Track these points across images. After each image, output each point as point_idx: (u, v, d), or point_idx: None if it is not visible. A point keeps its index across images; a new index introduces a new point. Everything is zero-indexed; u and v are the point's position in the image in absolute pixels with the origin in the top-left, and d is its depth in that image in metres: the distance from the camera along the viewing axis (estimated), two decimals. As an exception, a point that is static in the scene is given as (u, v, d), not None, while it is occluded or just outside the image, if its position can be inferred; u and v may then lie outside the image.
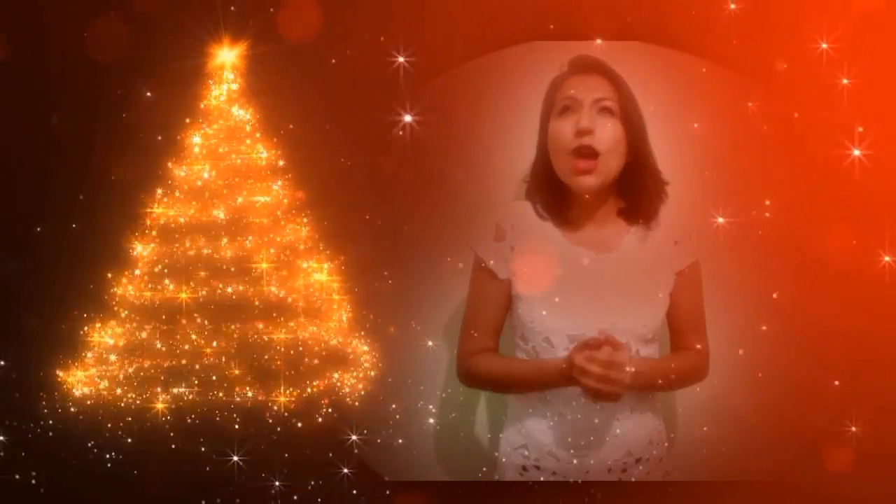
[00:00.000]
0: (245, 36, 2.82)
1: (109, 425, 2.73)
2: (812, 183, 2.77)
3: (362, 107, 2.81)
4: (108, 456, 2.70)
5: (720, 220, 2.68)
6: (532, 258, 2.51)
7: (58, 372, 2.82)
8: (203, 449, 2.68)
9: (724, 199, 2.73)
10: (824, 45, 2.74)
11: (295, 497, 2.66)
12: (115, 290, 2.85)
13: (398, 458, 2.76)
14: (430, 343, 2.79)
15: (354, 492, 2.66)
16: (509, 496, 2.59)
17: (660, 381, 2.46)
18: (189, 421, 2.71)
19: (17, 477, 2.70)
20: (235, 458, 2.66)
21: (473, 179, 2.80)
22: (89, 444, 2.71)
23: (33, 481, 2.70)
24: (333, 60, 2.81)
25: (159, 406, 2.73)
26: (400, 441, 2.74)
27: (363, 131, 2.81)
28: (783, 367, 2.75)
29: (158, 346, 2.77)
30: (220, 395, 2.73)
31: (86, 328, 2.83)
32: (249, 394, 2.72)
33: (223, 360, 2.74)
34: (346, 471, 2.67)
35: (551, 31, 2.83)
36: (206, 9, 2.78)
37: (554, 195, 2.53)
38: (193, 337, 2.75)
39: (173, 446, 2.70)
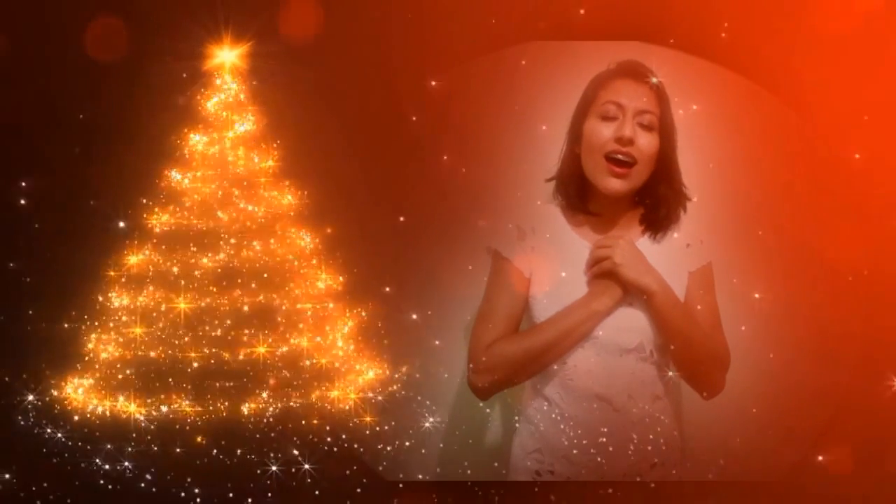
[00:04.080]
0: (247, 37, 2.81)
1: (106, 436, 2.73)
2: (813, 182, 2.78)
3: (366, 109, 2.81)
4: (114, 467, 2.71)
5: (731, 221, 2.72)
6: (551, 259, 2.53)
7: (59, 381, 2.82)
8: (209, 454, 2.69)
9: (734, 202, 2.75)
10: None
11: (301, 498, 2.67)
12: (113, 298, 2.83)
13: (408, 461, 2.77)
14: (437, 342, 2.82)
15: (362, 492, 2.67)
16: (520, 498, 2.59)
17: (680, 313, 2.45)
18: (187, 428, 2.70)
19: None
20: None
21: (491, 181, 2.81)
22: (98, 457, 2.71)
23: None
24: (336, 62, 2.81)
25: (156, 413, 2.72)
26: (409, 444, 2.75)
27: (367, 134, 2.81)
28: (783, 368, 2.76)
29: (157, 353, 2.76)
30: (223, 400, 2.72)
31: (82, 337, 2.82)
32: (263, 396, 2.73)
33: (225, 365, 2.73)
34: (354, 471, 2.68)
35: (551, 32, 2.83)
36: (207, 8, 2.77)
37: (580, 192, 2.54)
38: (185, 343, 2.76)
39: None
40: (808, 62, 2.76)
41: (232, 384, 2.71)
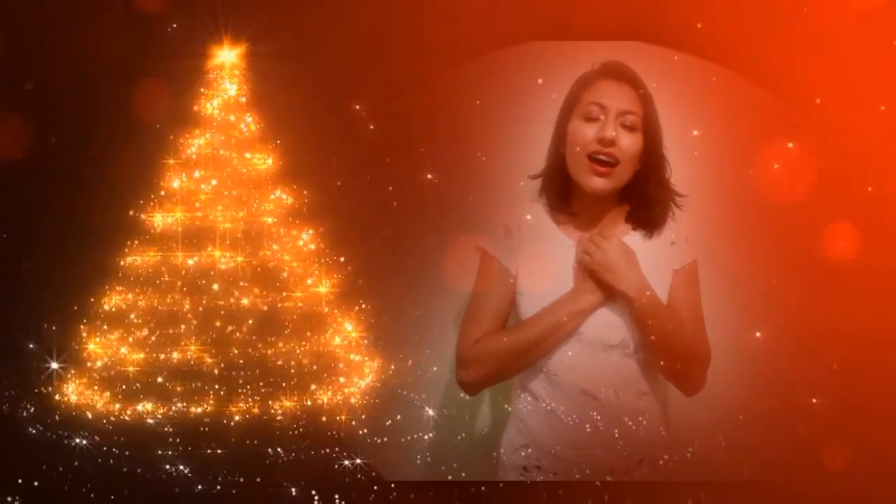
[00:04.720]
0: (247, 37, 2.81)
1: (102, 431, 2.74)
2: (804, 180, 2.78)
3: (363, 109, 2.81)
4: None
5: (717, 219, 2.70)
6: (536, 257, 2.55)
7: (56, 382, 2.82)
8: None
9: (723, 200, 2.75)
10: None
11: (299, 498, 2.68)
12: (113, 298, 2.83)
13: (400, 459, 2.77)
14: (429, 340, 2.81)
15: (356, 492, 2.67)
16: (509, 496, 2.59)
17: (660, 317, 2.45)
18: (191, 430, 2.72)
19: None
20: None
21: (480, 180, 2.81)
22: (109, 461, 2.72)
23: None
24: (335, 62, 2.82)
25: (159, 414, 2.73)
26: (401, 441, 2.75)
27: (364, 134, 2.82)
28: (782, 368, 2.75)
29: (156, 354, 2.77)
30: (222, 402, 2.72)
31: (81, 337, 2.82)
32: (253, 398, 2.73)
33: (225, 368, 2.74)
34: (348, 471, 2.68)
35: (551, 31, 2.83)
36: (207, 9, 2.78)
37: (564, 191, 2.56)
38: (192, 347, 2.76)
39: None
40: (805, 60, 2.76)
41: (228, 387, 2.72)
